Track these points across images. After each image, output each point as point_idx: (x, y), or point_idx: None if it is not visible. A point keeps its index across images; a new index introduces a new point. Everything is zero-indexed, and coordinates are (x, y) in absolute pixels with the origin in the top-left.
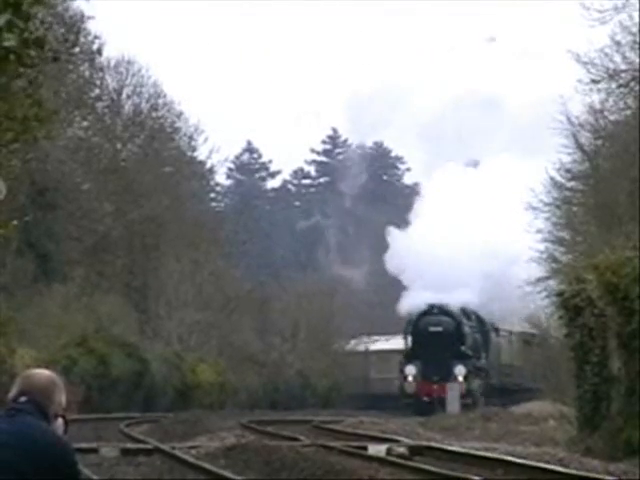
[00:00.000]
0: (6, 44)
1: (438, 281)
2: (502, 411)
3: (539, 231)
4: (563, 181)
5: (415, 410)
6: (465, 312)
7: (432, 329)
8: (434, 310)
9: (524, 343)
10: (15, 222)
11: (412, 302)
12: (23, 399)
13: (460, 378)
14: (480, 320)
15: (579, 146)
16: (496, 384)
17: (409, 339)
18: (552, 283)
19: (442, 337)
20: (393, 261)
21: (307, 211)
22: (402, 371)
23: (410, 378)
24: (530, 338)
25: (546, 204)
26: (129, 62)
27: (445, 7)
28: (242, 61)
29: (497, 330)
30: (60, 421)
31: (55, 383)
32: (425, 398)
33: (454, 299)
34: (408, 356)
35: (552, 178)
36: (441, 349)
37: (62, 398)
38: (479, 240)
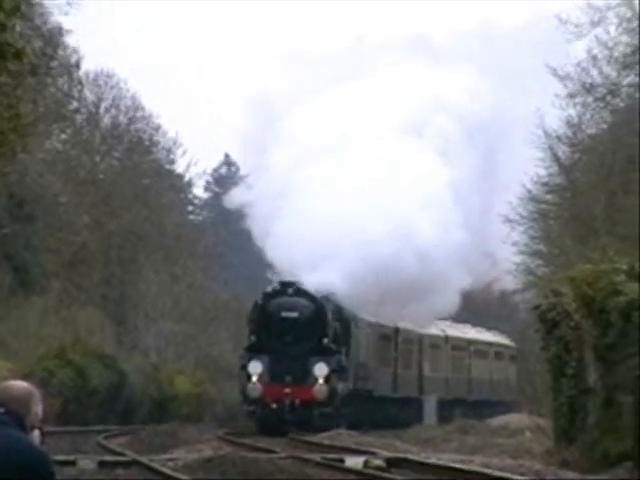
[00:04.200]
0: None
1: (306, 259)
2: (478, 423)
3: (515, 244)
4: (540, 194)
5: (258, 421)
6: (324, 294)
7: (285, 314)
8: (288, 290)
9: (381, 338)
10: None
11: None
12: (0, 410)
13: (321, 380)
14: (338, 306)
15: (556, 159)
16: (350, 389)
17: (253, 327)
18: (528, 295)
19: (298, 325)
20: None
21: None
22: (244, 368)
23: (254, 378)
24: (391, 333)
25: (523, 217)
26: (108, 75)
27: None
28: (220, 74)
29: (356, 320)
30: (37, 432)
31: (32, 394)
32: (273, 404)
33: (316, 279)
34: (253, 349)
35: (529, 191)
36: (296, 341)
37: (39, 409)
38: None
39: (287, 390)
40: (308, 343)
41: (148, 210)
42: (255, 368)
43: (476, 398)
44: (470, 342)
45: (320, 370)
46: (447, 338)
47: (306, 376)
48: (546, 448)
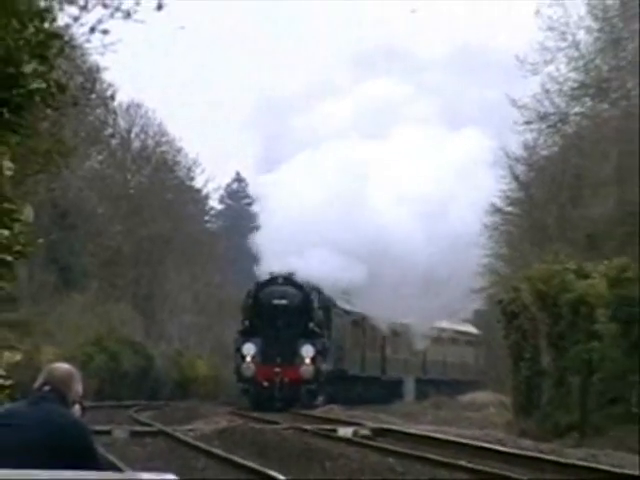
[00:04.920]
0: (33, 87)
1: (298, 244)
2: (450, 400)
3: (482, 247)
4: (502, 206)
5: (251, 398)
6: (310, 283)
7: (276, 302)
8: (278, 280)
9: (352, 324)
10: (41, 240)
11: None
12: (46, 388)
13: (308, 360)
14: (322, 294)
15: (515, 177)
16: (331, 368)
17: (247, 313)
18: (492, 292)
19: (288, 312)
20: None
21: None
22: (239, 350)
23: (248, 359)
24: (360, 320)
25: (487, 226)
26: (138, 106)
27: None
28: (235, 106)
29: (335, 307)
30: (77, 407)
31: (73, 375)
32: (265, 383)
33: (307, 265)
34: (246, 333)
35: (493, 204)
36: (286, 326)
37: (79, 387)
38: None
39: (277, 370)
40: (296, 328)
41: (172, 220)
42: (249, 350)
43: (430, 377)
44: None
45: (307, 352)
46: (403, 325)
47: (294, 357)
48: (507, 420)
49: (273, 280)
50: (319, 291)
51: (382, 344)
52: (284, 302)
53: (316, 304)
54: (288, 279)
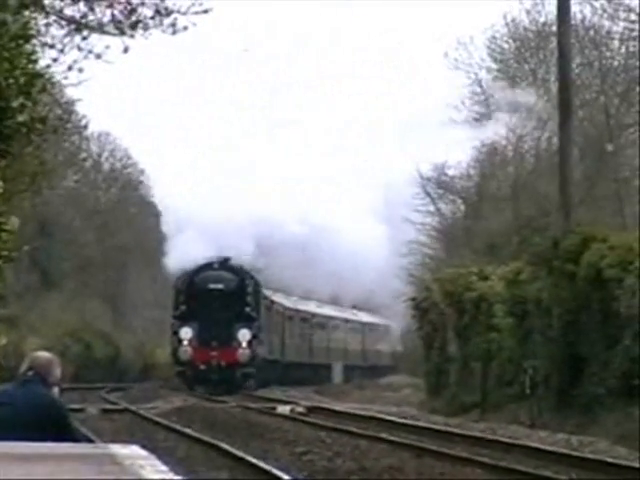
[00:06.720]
0: (19, 120)
1: (214, 229)
2: (371, 382)
3: (402, 255)
4: (416, 220)
5: (188, 380)
6: (244, 268)
7: (212, 286)
8: (214, 265)
9: (265, 308)
10: (25, 247)
11: (185, 254)
12: (31, 373)
13: (244, 344)
14: (253, 277)
15: (427, 194)
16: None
17: (182, 298)
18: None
19: (224, 296)
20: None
21: None
22: (176, 334)
23: (185, 342)
24: (270, 305)
25: (410, 240)
26: (107, 134)
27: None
28: (189, 134)
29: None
30: (56, 389)
31: (53, 361)
32: (202, 366)
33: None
34: (183, 317)
35: (407, 218)
36: (222, 310)
37: (58, 372)
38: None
39: (214, 353)
40: (233, 311)
41: (135, 230)
42: (186, 334)
43: (317, 362)
44: (314, 315)
45: (243, 336)
46: (298, 311)
47: (231, 341)
48: (420, 399)
49: (209, 265)
50: (252, 276)
51: (282, 329)
52: (220, 286)
53: (251, 289)
54: (224, 264)
